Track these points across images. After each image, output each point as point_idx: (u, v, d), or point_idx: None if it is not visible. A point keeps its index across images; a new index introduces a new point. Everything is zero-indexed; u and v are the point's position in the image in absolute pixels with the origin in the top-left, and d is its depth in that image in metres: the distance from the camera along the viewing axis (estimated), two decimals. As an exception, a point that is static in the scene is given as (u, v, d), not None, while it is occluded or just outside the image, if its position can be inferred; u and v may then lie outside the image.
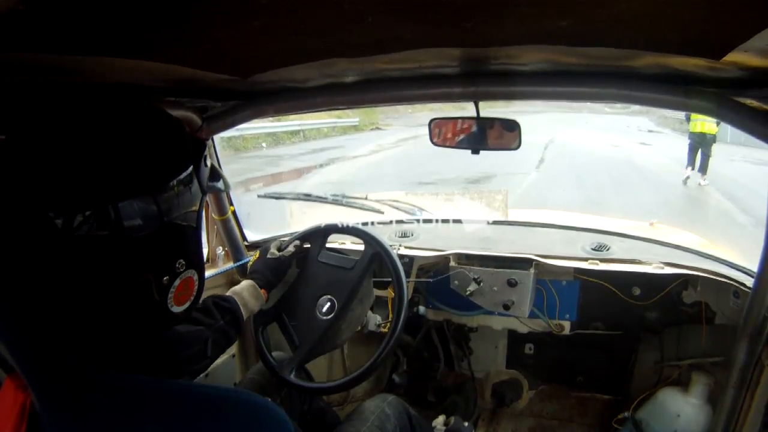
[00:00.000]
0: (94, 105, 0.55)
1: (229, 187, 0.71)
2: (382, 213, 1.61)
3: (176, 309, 0.57)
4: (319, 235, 1.23)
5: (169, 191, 0.54)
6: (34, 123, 0.52)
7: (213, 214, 1.38)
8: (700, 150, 7.10)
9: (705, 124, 6.96)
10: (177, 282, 0.56)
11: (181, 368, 0.59)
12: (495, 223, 1.66)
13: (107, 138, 0.52)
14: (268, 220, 1.71)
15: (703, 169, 7.14)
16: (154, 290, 0.54)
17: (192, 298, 0.59)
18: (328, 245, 1.24)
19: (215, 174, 0.65)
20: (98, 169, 0.50)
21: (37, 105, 0.65)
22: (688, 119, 7.45)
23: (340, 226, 1.22)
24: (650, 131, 15.64)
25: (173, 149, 0.57)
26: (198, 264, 0.59)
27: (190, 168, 0.57)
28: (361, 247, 1.17)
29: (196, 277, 0.59)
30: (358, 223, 1.21)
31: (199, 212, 0.59)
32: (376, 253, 1.15)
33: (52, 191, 0.49)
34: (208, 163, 0.62)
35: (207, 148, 0.61)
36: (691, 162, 7.16)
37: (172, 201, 0.55)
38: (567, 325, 1.48)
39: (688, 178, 7.11)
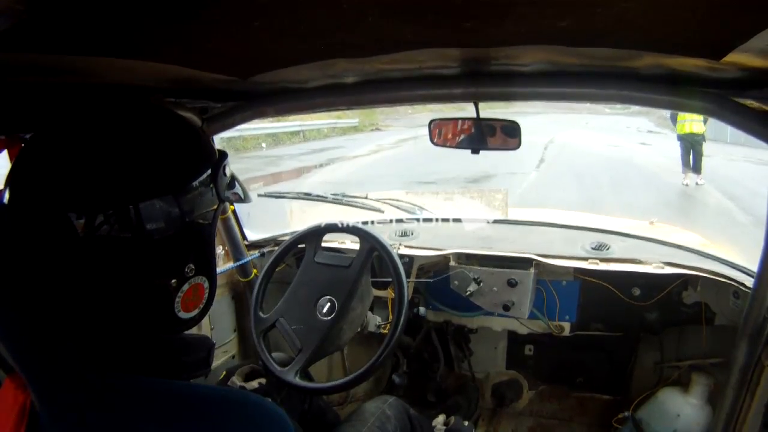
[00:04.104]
0: (112, 106, 0.55)
1: (249, 199, 0.71)
2: (382, 212, 1.61)
3: (184, 315, 0.57)
4: (313, 236, 1.22)
5: (189, 193, 0.55)
6: (56, 123, 0.53)
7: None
8: (692, 151, 7.08)
9: (693, 124, 6.90)
10: (185, 287, 0.56)
11: (182, 373, 0.59)
12: (495, 222, 1.66)
13: (127, 138, 0.52)
14: (269, 219, 1.71)
15: (697, 168, 7.12)
16: (164, 293, 0.55)
17: (201, 305, 0.59)
18: (326, 245, 1.24)
19: (234, 185, 0.65)
20: (119, 169, 0.50)
21: (52, 106, 0.65)
22: (674, 121, 7.40)
23: (338, 225, 1.21)
24: (650, 132, 15.67)
25: (192, 151, 0.57)
26: (208, 272, 0.59)
27: (209, 171, 0.57)
28: (358, 246, 1.17)
29: (206, 285, 0.59)
30: (357, 222, 1.21)
31: (213, 220, 0.59)
32: (372, 248, 1.14)
33: (74, 190, 0.49)
34: (228, 172, 0.62)
35: (227, 158, 0.61)
36: (686, 164, 7.13)
37: (191, 202, 0.55)
38: (567, 326, 1.48)
39: (687, 185, 7.10)
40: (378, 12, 0.48)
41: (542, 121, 15.52)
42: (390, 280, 1.15)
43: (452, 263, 1.43)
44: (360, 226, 1.19)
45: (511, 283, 1.38)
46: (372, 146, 11.33)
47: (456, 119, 1.12)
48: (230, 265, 1.50)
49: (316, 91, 0.99)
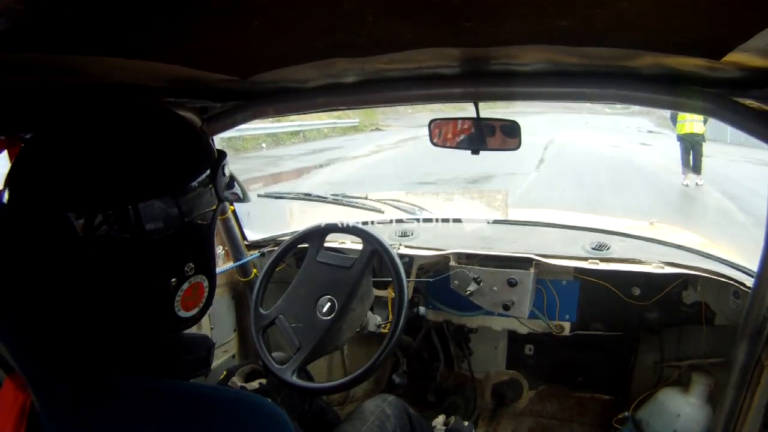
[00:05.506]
0: (112, 106, 0.55)
1: (248, 198, 0.71)
2: (382, 212, 1.61)
3: (184, 314, 0.57)
4: (317, 235, 1.22)
5: (188, 193, 0.55)
6: (56, 123, 0.53)
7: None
8: (691, 151, 7.09)
9: (693, 124, 6.91)
10: (185, 286, 0.56)
11: (182, 373, 0.59)
12: (495, 222, 1.66)
13: (126, 138, 0.52)
14: (269, 219, 1.71)
15: (697, 168, 7.12)
16: (163, 292, 0.55)
17: (201, 304, 0.59)
18: (326, 245, 1.24)
19: (233, 184, 0.65)
20: (118, 169, 0.50)
21: (52, 106, 0.65)
22: (674, 121, 7.42)
23: (338, 225, 1.21)
24: (650, 132, 15.66)
25: (191, 151, 0.57)
26: (208, 271, 0.59)
27: (208, 171, 0.57)
28: (360, 246, 1.17)
29: (206, 284, 0.59)
30: (357, 223, 1.21)
31: (212, 219, 0.59)
32: (375, 251, 1.14)
33: (74, 190, 0.49)
34: (227, 172, 0.62)
35: (225, 157, 0.61)
36: (686, 164, 7.14)
37: (191, 202, 0.55)
38: (567, 326, 1.48)
39: (686, 186, 7.10)
40: (378, 12, 0.48)
41: (542, 121, 15.52)
42: (390, 279, 1.15)
43: (452, 263, 1.43)
44: (361, 226, 1.18)
45: (511, 283, 1.38)
46: (372, 146, 11.33)
47: (456, 119, 1.11)
48: (230, 265, 1.50)
49: (316, 91, 0.99)
